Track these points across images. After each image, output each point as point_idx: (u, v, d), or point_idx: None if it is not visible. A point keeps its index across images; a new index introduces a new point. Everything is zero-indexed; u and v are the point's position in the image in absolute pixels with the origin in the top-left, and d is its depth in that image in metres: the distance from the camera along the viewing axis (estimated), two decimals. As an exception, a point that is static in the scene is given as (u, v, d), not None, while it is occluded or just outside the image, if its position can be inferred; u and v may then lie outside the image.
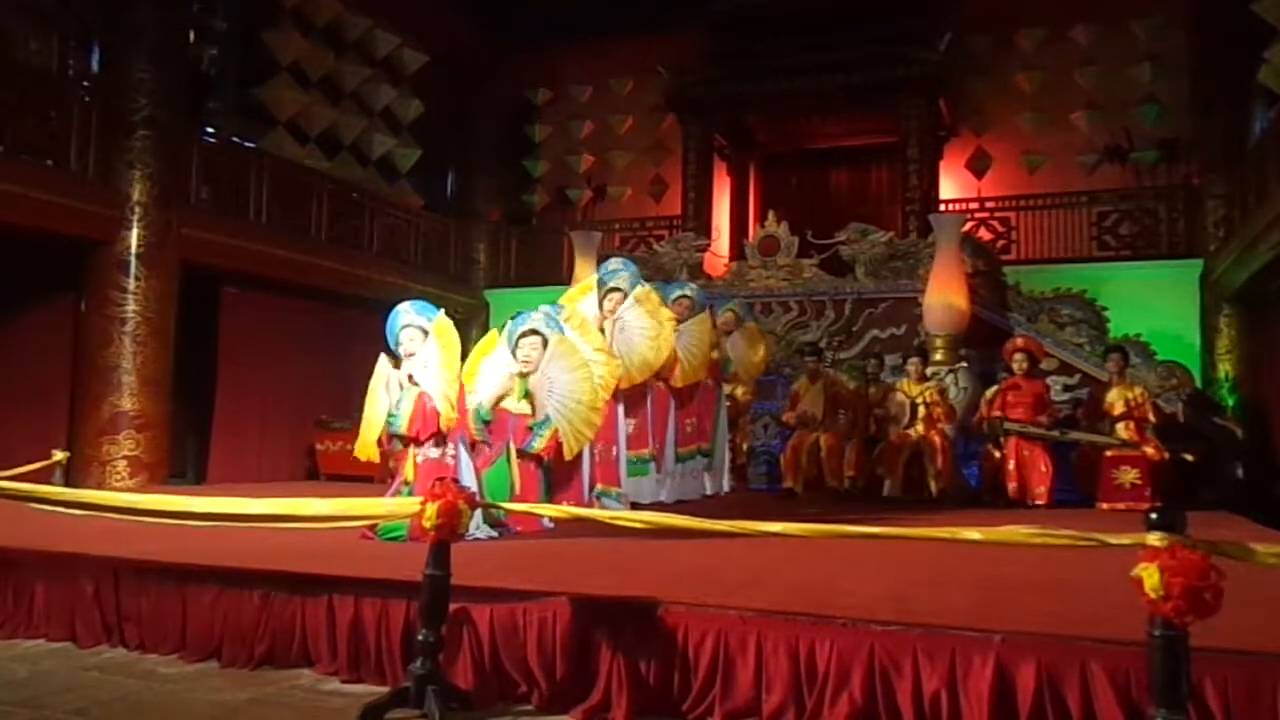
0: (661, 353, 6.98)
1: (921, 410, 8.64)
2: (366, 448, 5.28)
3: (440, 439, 5.12)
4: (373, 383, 5.26)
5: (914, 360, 9.00)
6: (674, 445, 7.67)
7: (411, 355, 5.18)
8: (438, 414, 5.06)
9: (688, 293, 8.08)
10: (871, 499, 8.39)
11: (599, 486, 6.34)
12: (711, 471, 8.31)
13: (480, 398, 5.53)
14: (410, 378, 5.14)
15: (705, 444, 8.16)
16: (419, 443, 5.10)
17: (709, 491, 8.21)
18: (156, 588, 3.94)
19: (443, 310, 5.40)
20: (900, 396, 8.75)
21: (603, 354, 6.20)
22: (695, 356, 7.66)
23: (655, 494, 7.30)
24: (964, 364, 9.79)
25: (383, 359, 5.25)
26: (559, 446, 5.64)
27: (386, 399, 5.16)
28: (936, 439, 8.49)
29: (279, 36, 12.24)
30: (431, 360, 5.12)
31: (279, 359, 11.37)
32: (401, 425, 5.06)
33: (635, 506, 6.45)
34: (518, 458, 5.57)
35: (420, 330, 5.19)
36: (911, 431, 8.58)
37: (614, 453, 6.59)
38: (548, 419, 5.64)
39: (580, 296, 7.23)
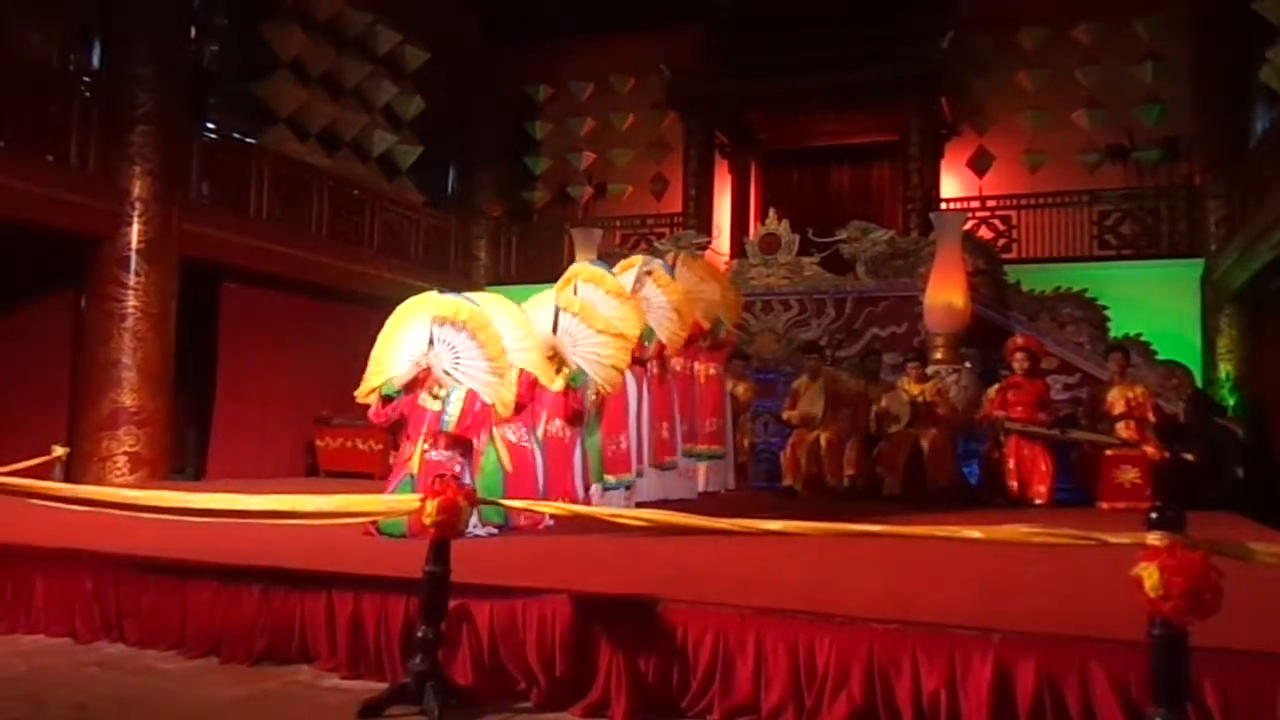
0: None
1: (922, 409, 8.64)
2: (367, 388, 5.21)
3: (468, 443, 5.13)
4: (395, 329, 5.20)
5: (913, 364, 8.96)
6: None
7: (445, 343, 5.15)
8: (489, 410, 5.09)
9: (649, 268, 7.59)
10: (871, 497, 8.39)
11: (610, 478, 6.33)
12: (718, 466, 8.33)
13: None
14: (447, 373, 5.10)
15: (711, 445, 8.15)
16: (461, 444, 5.10)
17: (709, 488, 8.20)
18: (156, 584, 3.94)
19: (470, 295, 5.41)
20: (901, 395, 8.74)
21: (607, 335, 6.18)
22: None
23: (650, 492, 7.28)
24: (967, 364, 9.77)
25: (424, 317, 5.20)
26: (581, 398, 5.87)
27: (405, 357, 5.13)
28: (937, 438, 8.49)
29: (280, 32, 12.23)
30: (473, 359, 5.10)
31: (279, 355, 11.36)
32: (451, 425, 5.04)
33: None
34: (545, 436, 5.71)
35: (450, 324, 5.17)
36: (912, 430, 8.58)
37: (623, 442, 6.57)
38: (580, 374, 5.85)
39: (563, 288, 7.02)
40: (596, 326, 6.13)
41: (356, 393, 5.31)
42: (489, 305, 5.64)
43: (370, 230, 12.89)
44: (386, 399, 5.18)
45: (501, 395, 5.18)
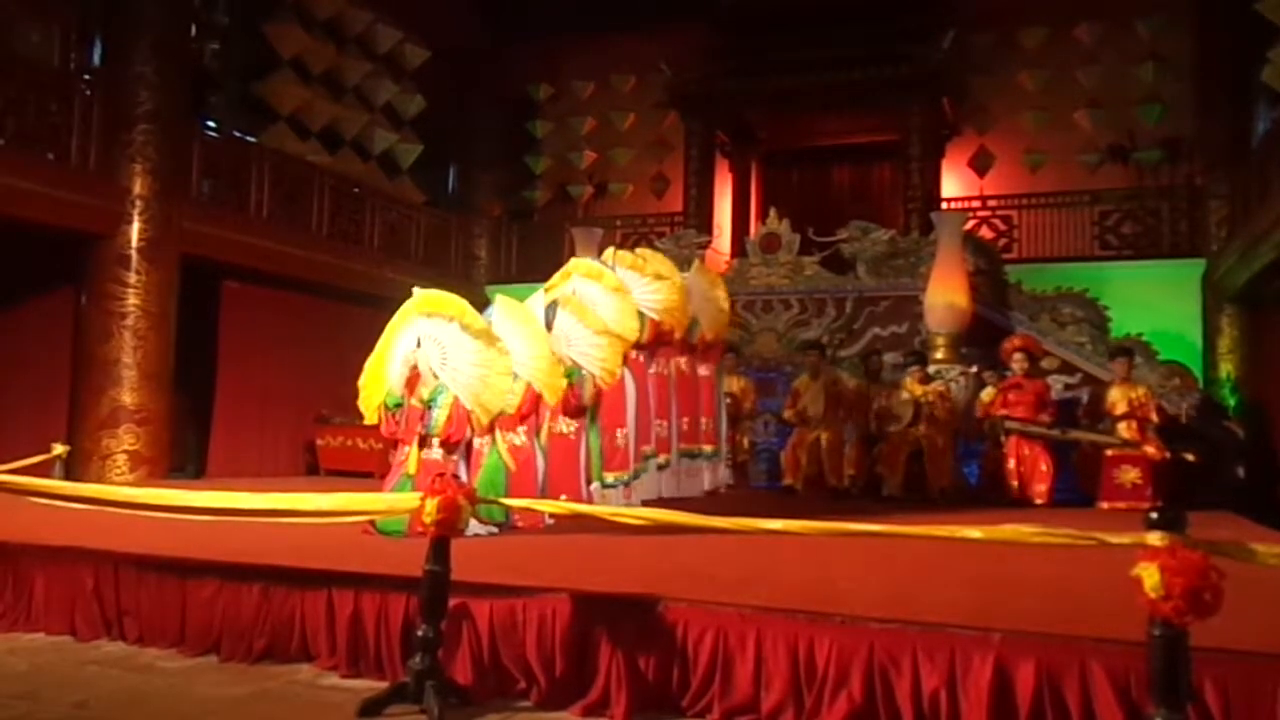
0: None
1: (924, 409, 8.63)
2: (370, 407, 5.12)
3: (454, 446, 5.07)
4: (386, 344, 5.10)
5: (913, 369, 8.90)
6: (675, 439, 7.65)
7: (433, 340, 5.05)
8: (467, 416, 5.02)
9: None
10: (872, 497, 8.39)
11: (608, 475, 6.32)
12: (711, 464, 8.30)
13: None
14: (434, 374, 5.01)
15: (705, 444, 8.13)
16: (447, 446, 5.04)
17: (707, 487, 8.19)
18: (156, 582, 3.94)
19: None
20: (903, 394, 8.74)
21: (604, 336, 6.16)
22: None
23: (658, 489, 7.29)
24: (974, 368, 9.72)
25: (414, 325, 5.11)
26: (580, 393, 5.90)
27: (399, 365, 5.04)
28: (937, 438, 8.48)
29: (281, 31, 12.24)
30: (461, 355, 5.01)
31: (279, 354, 11.37)
32: (436, 429, 4.98)
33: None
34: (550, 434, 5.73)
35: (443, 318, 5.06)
36: (912, 430, 8.57)
37: (619, 438, 6.56)
38: (577, 369, 5.87)
39: (560, 283, 6.75)
40: (593, 327, 6.11)
41: (364, 417, 5.22)
42: (504, 313, 5.58)
43: (370, 229, 12.90)
44: (393, 409, 5.06)
45: (483, 399, 5.03)
